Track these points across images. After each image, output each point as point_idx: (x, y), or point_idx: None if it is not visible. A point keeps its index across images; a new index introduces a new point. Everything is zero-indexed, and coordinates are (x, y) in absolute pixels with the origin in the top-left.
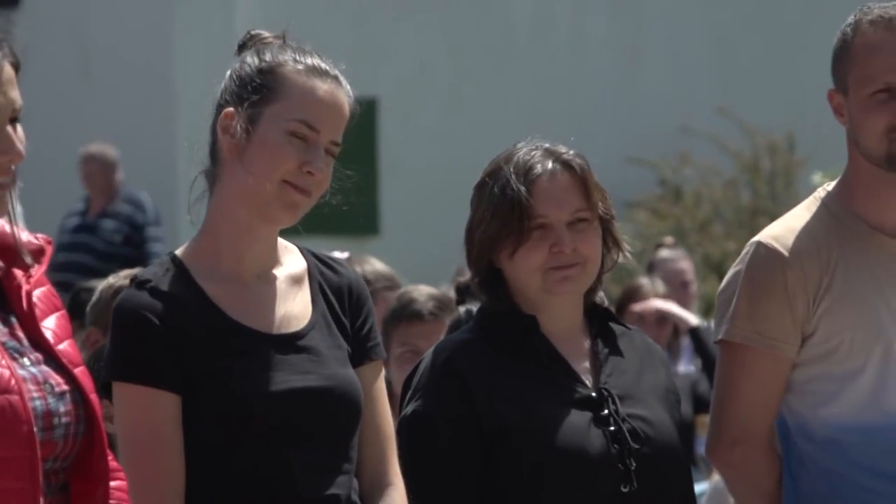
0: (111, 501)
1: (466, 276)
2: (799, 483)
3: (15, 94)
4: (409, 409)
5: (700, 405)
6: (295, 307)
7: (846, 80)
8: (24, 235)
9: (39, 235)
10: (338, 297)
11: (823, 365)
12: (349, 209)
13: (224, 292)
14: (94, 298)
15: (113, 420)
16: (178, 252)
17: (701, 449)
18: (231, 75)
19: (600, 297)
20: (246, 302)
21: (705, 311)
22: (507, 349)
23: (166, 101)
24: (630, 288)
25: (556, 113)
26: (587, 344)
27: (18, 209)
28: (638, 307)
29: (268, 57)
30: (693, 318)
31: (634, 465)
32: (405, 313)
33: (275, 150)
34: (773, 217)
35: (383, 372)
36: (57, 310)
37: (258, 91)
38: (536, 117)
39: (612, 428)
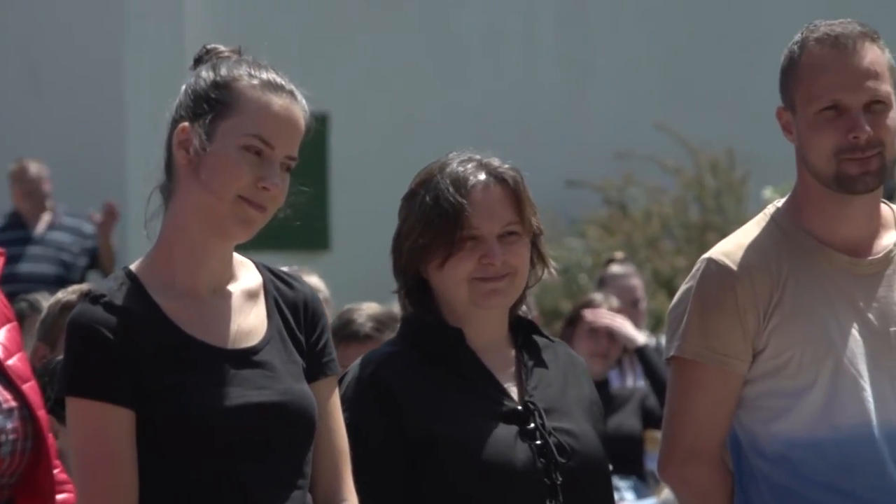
0: None
1: None
2: (751, 499)
3: None
4: None
5: (649, 420)
6: (250, 322)
7: (794, 97)
8: None
9: None
10: (293, 312)
11: (774, 380)
12: (300, 224)
13: (179, 307)
14: (42, 314)
15: (58, 436)
16: (133, 267)
17: (651, 464)
18: (186, 90)
19: (524, 310)
20: (201, 317)
21: (654, 327)
22: (432, 361)
23: (117, 116)
24: (583, 302)
25: (506, 129)
26: (512, 356)
27: None
28: (590, 315)
29: (223, 71)
30: (640, 338)
31: (560, 479)
32: (342, 333)
33: (229, 165)
34: (723, 233)
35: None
36: (8, 321)
37: (213, 106)
38: (487, 133)
39: (538, 442)
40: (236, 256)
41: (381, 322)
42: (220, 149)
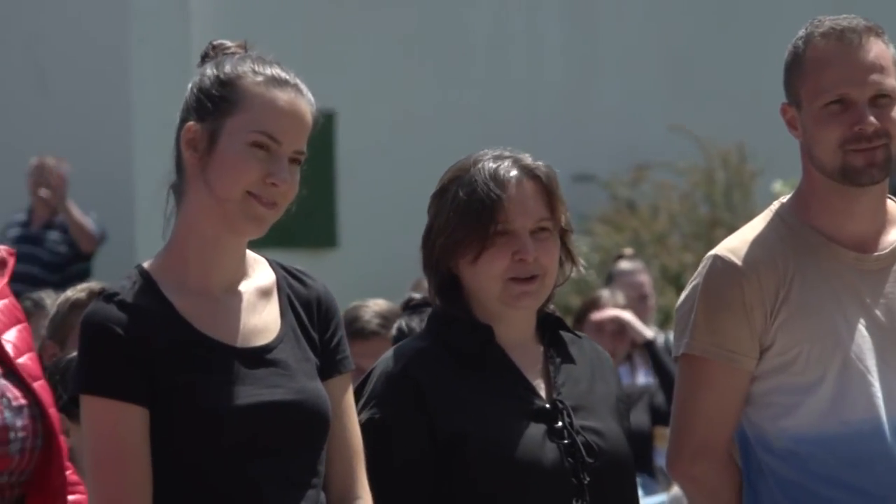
0: None
1: (423, 288)
2: (759, 495)
3: None
4: (364, 416)
5: (658, 417)
6: (263, 320)
7: (799, 93)
8: None
9: (1, 247)
10: (306, 309)
11: (782, 377)
12: (307, 222)
13: (192, 305)
14: (52, 312)
15: (69, 434)
16: (146, 265)
17: (660, 461)
18: (192, 88)
19: (550, 307)
20: (214, 315)
21: (662, 323)
22: (461, 358)
23: (123, 115)
24: (590, 299)
25: (512, 126)
26: (540, 353)
27: None
28: (596, 316)
29: (227, 69)
30: (648, 332)
31: (588, 479)
32: (349, 330)
33: (237, 162)
34: (731, 229)
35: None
36: (18, 322)
37: (218, 104)
38: (492, 130)
39: (566, 441)
40: (250, 254)
41: (387, 319)
42: (228, 146)
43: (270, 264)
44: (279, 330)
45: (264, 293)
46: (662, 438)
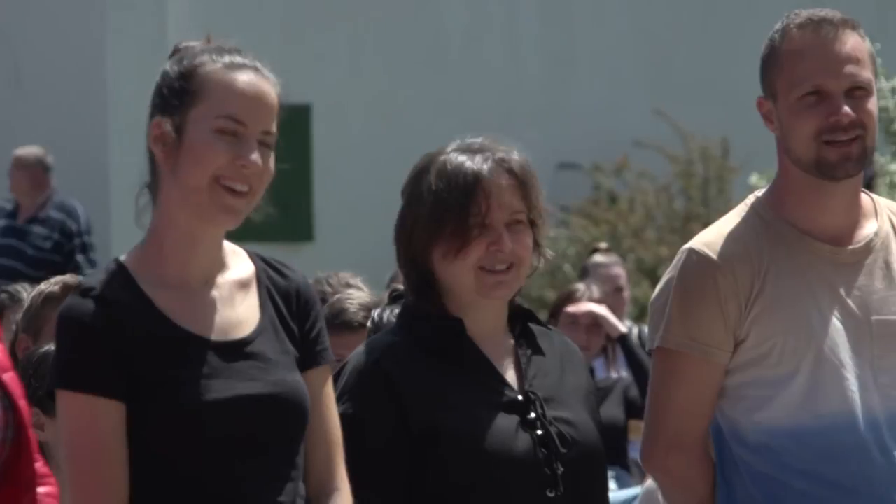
0: None
1: (401, 281)
2: (733, 488)
3: None
4: (338, 410)
5: (632, 410)
6: (242, 313)
7: (775, 85)
8: None
9: None
10: (286, 301)
11: (756, 370)
12: (283, 216)
13: (170, 299)
14: (25, 305)
15: (43, 428)
16: (123, 258)
17: (634, 453)
18: (157, 86)
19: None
20: (192, 308)
21: (638, 316)
22: (432, 351)
23: (98, 108)
24: (565, 293)
25: (489, 118)
26: (511, 345)
27: None
28: (571, 309)
29: (185, 62)
30: (622, 327)
31: (561, 469)
32: (335, 322)
33: (205, 150)
34: (706, 223)
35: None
36: None
37: (181, 96)
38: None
39: (539, 432)
40: (229, 246)
41: (371, 310)
42: (194, 136)
43: (250, 256)
44: (258, 322)
45: (243, 285)
46: (637, 431)
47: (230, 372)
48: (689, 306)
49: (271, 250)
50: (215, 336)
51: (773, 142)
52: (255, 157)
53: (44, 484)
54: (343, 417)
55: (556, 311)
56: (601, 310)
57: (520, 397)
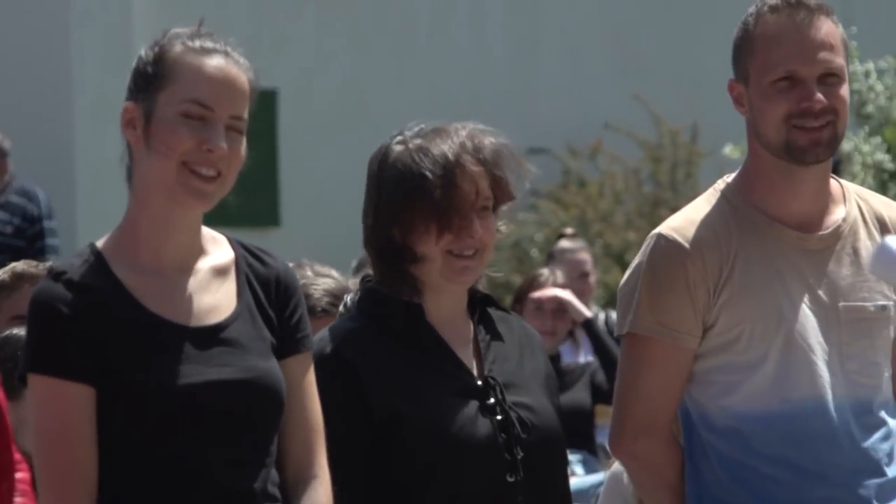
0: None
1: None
2: (701, 473)
3: None
4: None
5: (599, 395)
6: (218, 299)
7: (747, 69)
8: None
9: None
10: (265, 288)
11: (725, 355)
12: (250, 201)
13: (143, 284)
14: None
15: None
16: (99, 243)
17: (601, 438)
18: (132, 71)
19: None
20: (165, 294)
21: (606, 302)
22: (392, 336)
23: (63, 92)
24: (530, 278)
25: (456, 102)
26: (470, 330)
27: None
28: (536, 294)
29: (157, 47)
30: (587, 311)
31: (521, 454)
32: None
33: (171, 133)
34: (674, 208)
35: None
36: None
37: (151, 80)
38: (437, 107)
39: (498, 417)
40: (208, 232)
41: (336, 297)
42: (162, 119)
43: (230, 243)
44: (234, 309)
45: (221, 272)
46: (603, 416)
47: (202, 357)
48: (657, 292)
49: (238, 235)
50: (189, 322)
51: (742, 126)
52: (221, 142)
53: (18, 469)
54: None
55: (521, 296)
56: (566, 294)
57: (479, 383)
